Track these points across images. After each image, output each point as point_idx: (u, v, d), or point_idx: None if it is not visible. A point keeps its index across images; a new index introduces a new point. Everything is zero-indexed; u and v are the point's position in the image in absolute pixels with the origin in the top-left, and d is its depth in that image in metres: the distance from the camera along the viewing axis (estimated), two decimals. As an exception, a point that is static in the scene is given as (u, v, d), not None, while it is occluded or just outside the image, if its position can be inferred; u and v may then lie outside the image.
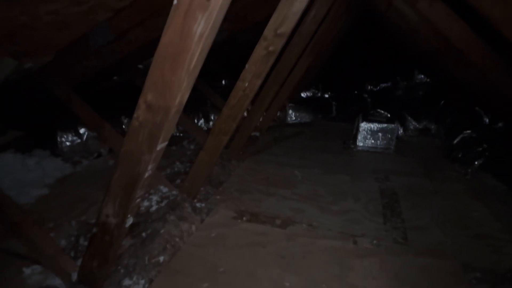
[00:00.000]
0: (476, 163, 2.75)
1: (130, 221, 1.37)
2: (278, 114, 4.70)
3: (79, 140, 3.21)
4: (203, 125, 4.26)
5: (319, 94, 5.74)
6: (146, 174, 1.20)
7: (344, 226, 2.27)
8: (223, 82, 5.75)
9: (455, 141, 3.22)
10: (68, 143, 3.16)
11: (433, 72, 5.33)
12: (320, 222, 2.31)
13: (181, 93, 1.01)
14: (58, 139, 3.14)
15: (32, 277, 1.69)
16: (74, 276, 1.63)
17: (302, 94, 5.67)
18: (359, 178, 3.04)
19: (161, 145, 1.14)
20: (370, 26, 5.80)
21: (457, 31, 2.18)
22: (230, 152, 3.44)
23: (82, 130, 3.20)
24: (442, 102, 4.08)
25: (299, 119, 4.83)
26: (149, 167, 1.18)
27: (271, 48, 1.83)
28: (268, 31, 1.81)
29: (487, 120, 3.55)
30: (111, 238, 1.41)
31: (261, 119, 4.24)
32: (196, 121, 4.21)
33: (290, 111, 4.78)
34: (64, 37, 2.28)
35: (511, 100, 2.58)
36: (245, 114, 3.78)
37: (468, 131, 3.17)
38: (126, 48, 3.01)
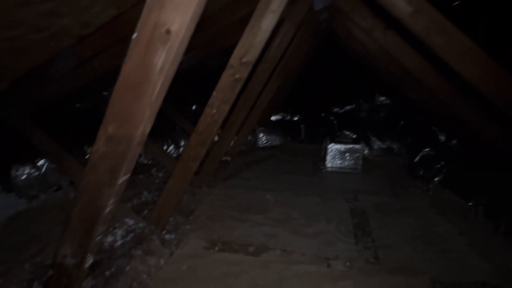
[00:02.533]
0: (436, 179, 2.91)
1: (90, 261, 1.27)
2: (248, 138, 4.73)
3: (36, 173, 2.98)
4: (172, 152, 4.16)
5: (288, 117, 5.89)
6: (107, 209, 1.13)
7: (318, 249, 2.26)
8: (194, 107, 5.72)
9: (415, 159, 3.41)
10: (24, 177, 2.92)
11: (392, 94, 5.70)
12: (294, 246, 2.28)
13: (143, 124, 0.98)
14: (12, 173, 2.90)
15: (-27, 333, 1.49)
16: (25, 328, 1.45)
17: (272, 118, 5.79)
18: (330, 199, 3.09)
19: (123, 178, 1.09)
20: (334, 50, 6.15)
21: (409, 58, 2.37)
22: (201, 179, 3.36)
23: (40, 162, 2.99)
24: (402, 122, 4.35)
25: (269, 142, 4.89)
26: (111, 202, 1.11)
27: (237, 76, 1.87)
28: (234, 60, 1.85)
29: (443, 138, 3.81)
30: (69, 281, 1.29)
31: (231, 144, 4.24)
32: (166, 147, 4.11)
33: (261, 135, 4.84)
34: (22, 63, 2.18)
35: (462, 119, 2.81)
36: (216, 139, 3.77)
37: (427, 149, 3.38)
38: (90, 74, 2.93)
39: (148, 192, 3.10)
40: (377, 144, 4.16)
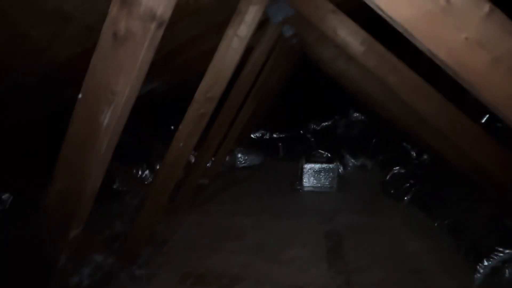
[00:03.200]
0: (406, 198, 2.99)
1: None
2: (227, 159, 4.73)
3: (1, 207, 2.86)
4: (148, 176, 4.09)
5: (267, 135, 5.96)
6: (60, 263, 1.10)
7: (292, 277, 2.26)
8: (172, 127, 5.69)
9: (387, 178, 3.51)
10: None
11: (366, 111, 5.89)
12: (268, 276, 2.27)
13: (92, 180, 0.98)
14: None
15: None
16: None
17: (252, 136, 5.84)
18: (305, 222, 3.11)
19: (74, 232, 1.07)
20: (311, 69, 6.33)
21: (371, 85, 2.48)
22: (177, 205, 3.32)
23: (4, 196, 2.87)
24: (374, 140, 4.48)
25: (248, 162, 4.90)
26: (62, 257, 1.09)
27: (202, 110, 1.89)
28: (199, 95, 1.88)
29: (414, 154, 3.95)
30: None
31: (209, 165, 4.22)
32: (140, 172, 4.04)
33: (239, 155, 4.85)
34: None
35: (427, 139, 2.93)
36: (192, 160, 3.75)
37: (397, 168, 3.49)
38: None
39: (121, 223, 3.01)
40: (351, 161, 4.25)
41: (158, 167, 4.16)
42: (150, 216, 2.26)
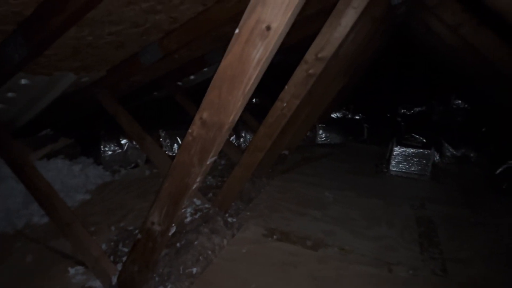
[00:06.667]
0: (523, 195, 2.58)
1: (173, 229, 1.44)
2: (307, 133, 4.71)
3: (119, 150, 3.40)
4: (234, 141, 4.36)
5: (349, 116, 5.71)
6: (194, 186, 1.27)
7: (378, 253, 2.20)
8: (254, 100, 5.89)
9: (498, 171, 3.06)
10: (109, 153, 3.36)
11: (472, 98, 5.15)
12: (352, 246, 2.26)
13: (235, 112, 1.08)
14: (101, 148, 3.35)
15: (75, 277, 1.80)
16: (114, 280, 1.71)
17: (332, 115, 5.67)
18: (393, 204, 2.95)
19: (211, 159, 1.21)
20: (404, 48, 5.76)
21: (504, 57, 2.13)
22: (260, 169, 3.47)
23: (123, 141, 3.40)
24: (484, 129, 3.91)
25: (328, 140, 4.81)
26: (198, 179, 1.25)
27: (311, 71, 1.89)
28: (309, 55, 1.88)
29: (534, 150, 3.34)
30: (154, 245, 1.48)
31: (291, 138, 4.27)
32: (228, 137, 4.32)
33: (320, 131, 4.78)
34: (118, 55, 2.50)
35: None
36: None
37: (513, 161, 3.01)
38: (170, 65, 3.21)
39: (212, 177, 3.32)
40: (450, 151, 3.81)
41: (243, 134, 4.40)
42: (244, 171, 2.41)
